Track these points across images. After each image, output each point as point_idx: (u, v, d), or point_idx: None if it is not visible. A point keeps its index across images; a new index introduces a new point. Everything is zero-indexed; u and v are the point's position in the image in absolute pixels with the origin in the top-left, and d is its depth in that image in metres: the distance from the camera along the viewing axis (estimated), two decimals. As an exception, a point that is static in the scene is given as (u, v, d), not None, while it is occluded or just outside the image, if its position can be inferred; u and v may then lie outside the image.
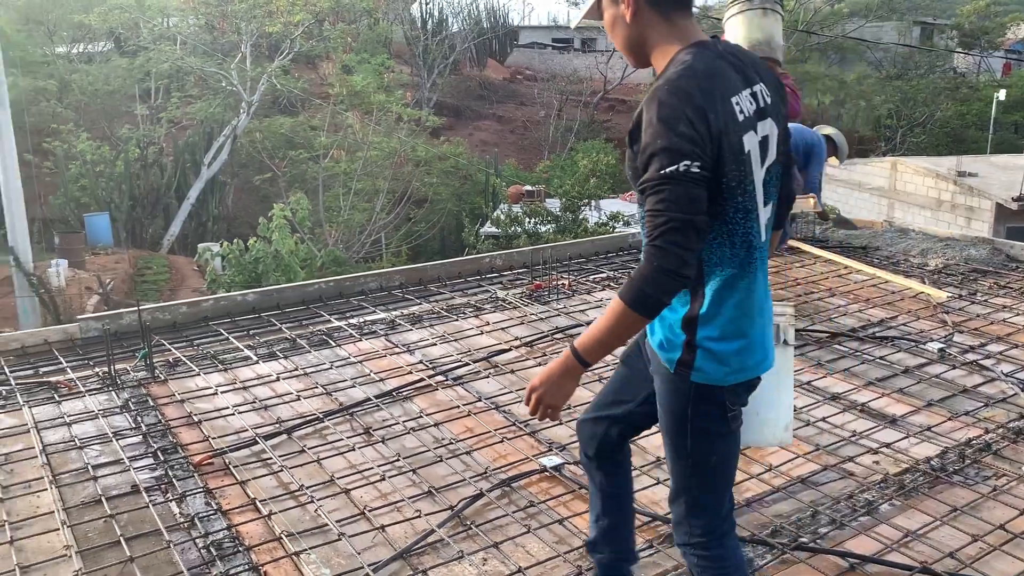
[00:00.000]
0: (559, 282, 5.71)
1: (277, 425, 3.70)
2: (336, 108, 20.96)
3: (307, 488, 3.17)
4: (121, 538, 2.85)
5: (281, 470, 3.31)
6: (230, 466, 3.34)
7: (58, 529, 2.92)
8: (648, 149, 1.83)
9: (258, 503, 3.07)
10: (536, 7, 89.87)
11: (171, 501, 3.11)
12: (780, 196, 2.12)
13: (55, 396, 4.03)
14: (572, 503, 3.10)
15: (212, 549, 2.80)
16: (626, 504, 2.42)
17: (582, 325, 4.95)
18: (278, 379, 4.23)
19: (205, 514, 3.00)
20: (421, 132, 22.67)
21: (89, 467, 3.34)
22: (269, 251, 12.39)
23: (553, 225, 15.62)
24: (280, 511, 3.01)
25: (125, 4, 22.32)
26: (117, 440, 3.57)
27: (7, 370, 4.34)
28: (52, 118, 21.27)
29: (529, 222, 15.60)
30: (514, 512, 3.03)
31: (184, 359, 4.48)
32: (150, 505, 3.06)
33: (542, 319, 5.10)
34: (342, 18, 25.01)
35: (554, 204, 16.96)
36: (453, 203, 20.61)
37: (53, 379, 4.21)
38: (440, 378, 4.24)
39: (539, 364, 4.42)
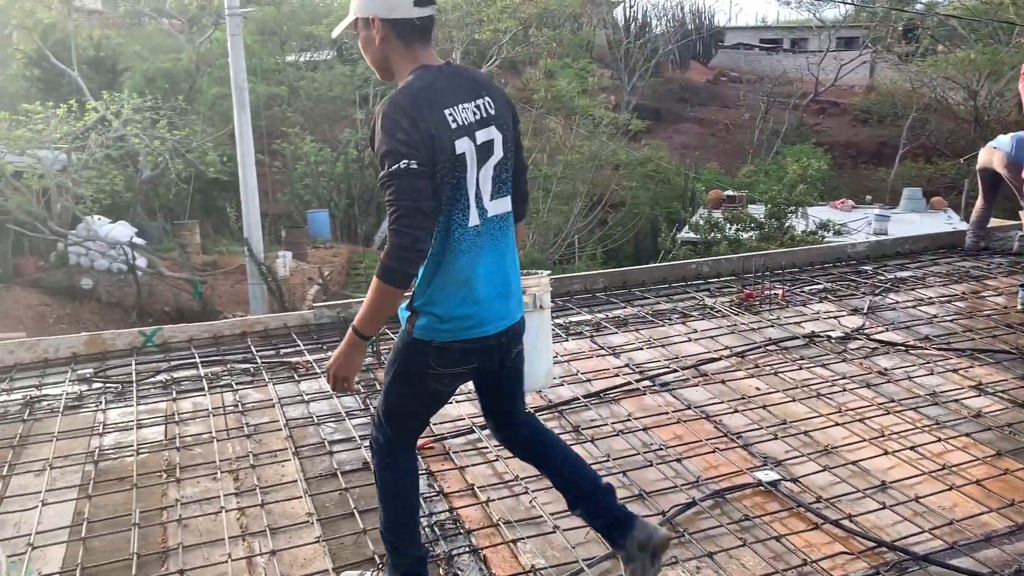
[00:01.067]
0: (771, 292, 5.53)
1: (491, 417, 3.85)
2: (539, 112, 21.41)
3: (521, 479, 3.28)
4: (355, 510, 3.09)
5: (496, 459, 3.45)
6: (449, 452, 3.53)
7: (300, 497, 3.21)
8: (378, 153, 2.25)
9: (476, 489, 3.22)
10: (744, 7, 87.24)
11: (397, 481, 3.32)
12: (516, 193, 2.52)
13: (295, 376, 4.42)
14: (789, 520, 3.00)
15: (436, 529, 2.97)
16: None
17: (796, 338, 4.78)
18: (491, 373, 4.40)
19: (428, 495, 3.19)
20: (620, 136, 22.67)
21: (326, 442, 3.64)
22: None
23: (756, 232, 15.12)
24: (497, 499, 3.15)
25: (350, 15, 23.92)
26: (349, 419, 3.87)
27: (254, 349, 4.82)
28: (282, 122, 23.22)
29: (730, 228, 15.18)
30: (728, 524, 2.98)
31: (405, 349, 4.75)
32: (379, 482, 3.29)
33: (753, 329, 4.97)
34: (547, 24, 25.50)
35: (757, 210, 16.40)
36: (650, 207, 20.44)
37: (293, 360, 4.61)
38: (647, 383, 4.24)
39: (751, 375, 4.31)
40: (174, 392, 4.23)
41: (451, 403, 3.98)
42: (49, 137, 16.63)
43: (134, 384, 4.34)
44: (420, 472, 3.32)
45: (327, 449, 3.58)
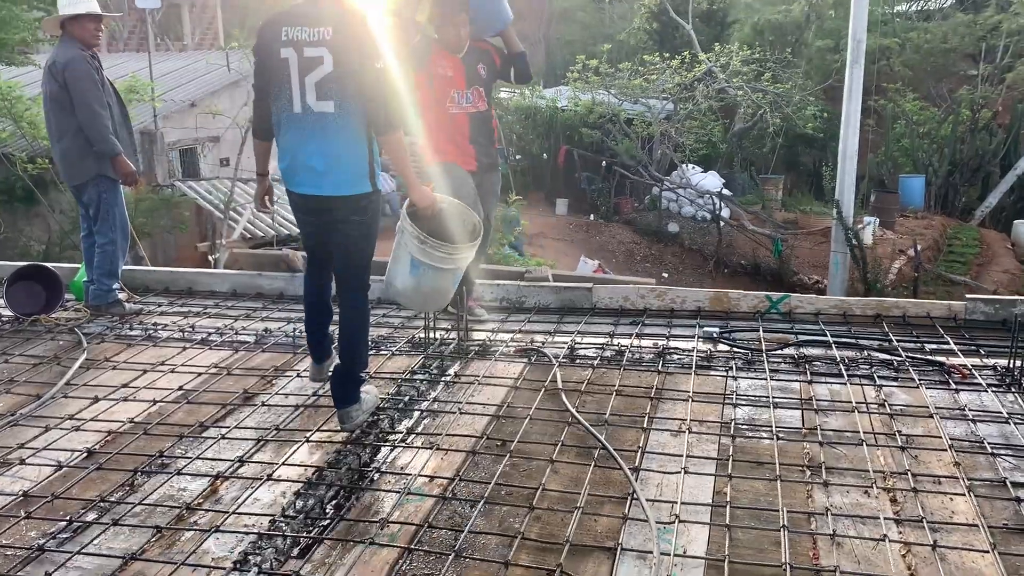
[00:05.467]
0: None
1: None
2: None
3: None
4: (1069, 595, 2.33)
5: None
6: None
7: (985, 552, 2.53)
8: None
9: None
10: None
11: (1124, 567, 2.44)
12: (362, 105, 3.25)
13: (950, 381, 3.69)
14: None
15: None
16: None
17: None
18: None
19: None
20: None
21: (1007, 483, 2.88)
22: None
23: None
24: None
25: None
26: (1035, 458, 3.04)
27: (893, 338, 4.20)
28: (883, 77, 21.42)
29: None
30: None
31: (1102, 375, 3.66)
32: (1101, 564, 2.45)
33: None
34: None
35: None
36: None
37: (944, 361, 3.88)
38: None
39: None
40: (808, 373, 3.84)
41: None
42: (661, 87, 17.82)
43: (763, 354, 4.07)
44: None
45: (1011, 493, 2.82)
